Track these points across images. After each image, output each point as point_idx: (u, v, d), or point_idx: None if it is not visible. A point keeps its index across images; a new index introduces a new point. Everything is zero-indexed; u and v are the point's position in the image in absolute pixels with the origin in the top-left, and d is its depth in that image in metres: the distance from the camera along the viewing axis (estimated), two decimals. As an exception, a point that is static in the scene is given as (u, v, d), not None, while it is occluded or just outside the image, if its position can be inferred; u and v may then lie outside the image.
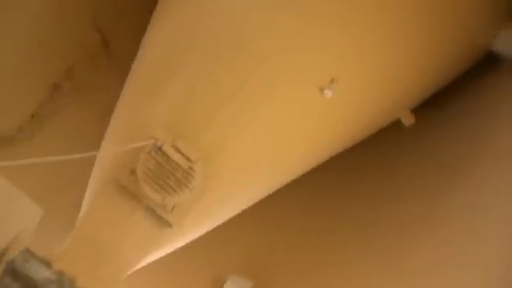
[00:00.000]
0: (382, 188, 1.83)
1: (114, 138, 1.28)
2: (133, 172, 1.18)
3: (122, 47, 1.76)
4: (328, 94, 1.29)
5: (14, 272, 0.92)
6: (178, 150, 1.17)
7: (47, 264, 0.96)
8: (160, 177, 1.16)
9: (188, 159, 1.17)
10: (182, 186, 1.17)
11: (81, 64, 1.74)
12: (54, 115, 1.67)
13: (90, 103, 1.74)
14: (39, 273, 0.94)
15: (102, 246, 1.16)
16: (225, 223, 1.36)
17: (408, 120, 1.66)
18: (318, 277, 1.75)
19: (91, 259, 1.12)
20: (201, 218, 1.27)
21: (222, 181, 1.25)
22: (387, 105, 1.53)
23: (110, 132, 1.30)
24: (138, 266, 1.23)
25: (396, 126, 1.67)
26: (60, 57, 1.72)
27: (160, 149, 1.17)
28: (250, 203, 1.38)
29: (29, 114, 1.63)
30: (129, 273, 1.21)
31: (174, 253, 1.30)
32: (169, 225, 1.20)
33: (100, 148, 1.25)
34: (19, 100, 1.65)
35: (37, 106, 1.65)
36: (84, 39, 1.75)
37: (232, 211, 1.35)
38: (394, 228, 1.69)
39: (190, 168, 1.17)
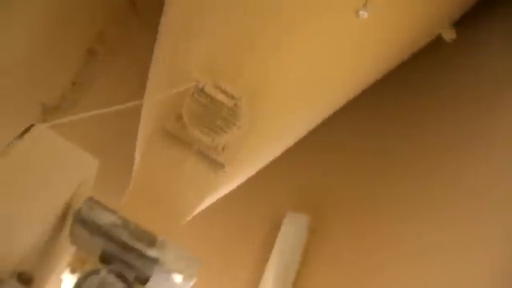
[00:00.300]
0: (426, 109, 1.79)
1: (156, 86, 1.28)
2: (179, 118, 1.18)
3: (149, 4, 1.74)
4: (364, 15, 1.25)
5: (81, 220, 0.95)
6: (220, 90, 1.16)
7: (111, 211, 0.98)
8: (206, 118, 1.16)
9: (232, 97, 1.16)
10: (229, 125, 1.16)
11: (111, 26, 1.74)
12: (93, 81, 1.69)
13: (126, 64, 1.75)
14: (104, 218, 0.96)
15: (160, 194, 1.17)
16: (279, 160, 1.36)
17: (449, 35, 1.60)
18: (372, 209, 1.75)
19: (151, 208, 1.14)
20: (252, 155, 1.27)
21: (269, 115, 1.24)
22: (427, 20, 1.47)
23: (151, 82, 1.31)
24: (198, 210, 1.25)
25: (437, 43, 1.61)
26: (90, 22, 1.72)
27: (203, 90, 1.16)
28: (300, 136, 1.37)
29: (69, 82, 1.65)
30: (189, 218, 1.23)
31: (232, 193, 1.31)
32: (222, 166, 1.21)
33: (144, 97, 1.25)
34: (58, 69, 1.67)
35: (75, 73, 1.67)
36: (110, 1, 1.75)
37: (283, 145, 1.34)
38: (445, 150, 1.66)
39: (235, 105, 1.16)
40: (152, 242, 0.97)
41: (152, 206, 1.14)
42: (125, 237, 0.96)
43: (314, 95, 1.33)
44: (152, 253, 0.96)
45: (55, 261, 1.10)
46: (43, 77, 1.62)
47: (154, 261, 0.96)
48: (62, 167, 0.98)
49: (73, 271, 1.08)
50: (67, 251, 1.17)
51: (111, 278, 0.94)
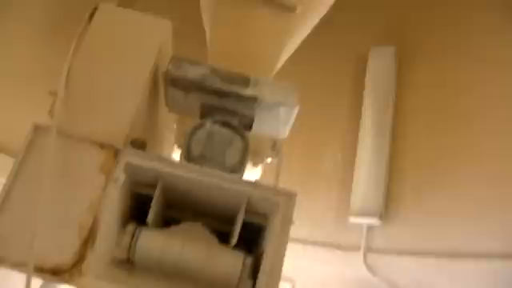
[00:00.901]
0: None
1: None
2: (237, -29, 1.12)
3: None
4: None
5: (171, 80, 0.94)
6: None
7: (198, 63, 0.96)
8: (264, -40, 1.10)
9: None
10: (290, -40, 1.10)
11: None
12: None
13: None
14: (193, 71, 0.94)
15: (239, 52, 1.15)
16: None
17: None
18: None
19: (234, 63, 1.10)
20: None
21: None
22: None
23: None
24: (283, 58, 1.21)
25: None
26: None
27: None
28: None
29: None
30: (276, 69, 1.20)
31: (315, 33, 1.26)
32: (293, 7, 1.15)
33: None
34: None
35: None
36: None
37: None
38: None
39: None
40: (246, 82, 0.95)
41: (235, 62, 1.11)
42: (218, 83, 0.94)
43: None
44: (248, 92, 0.94)
45: (159, 130, 1.12)
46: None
47: (253, 99, 0.94)
48: (138, 36, 0.96)
49: (180, 146, 1.09)
50: (169, 126, 1.19)
51: (217, 128, 0.94)
